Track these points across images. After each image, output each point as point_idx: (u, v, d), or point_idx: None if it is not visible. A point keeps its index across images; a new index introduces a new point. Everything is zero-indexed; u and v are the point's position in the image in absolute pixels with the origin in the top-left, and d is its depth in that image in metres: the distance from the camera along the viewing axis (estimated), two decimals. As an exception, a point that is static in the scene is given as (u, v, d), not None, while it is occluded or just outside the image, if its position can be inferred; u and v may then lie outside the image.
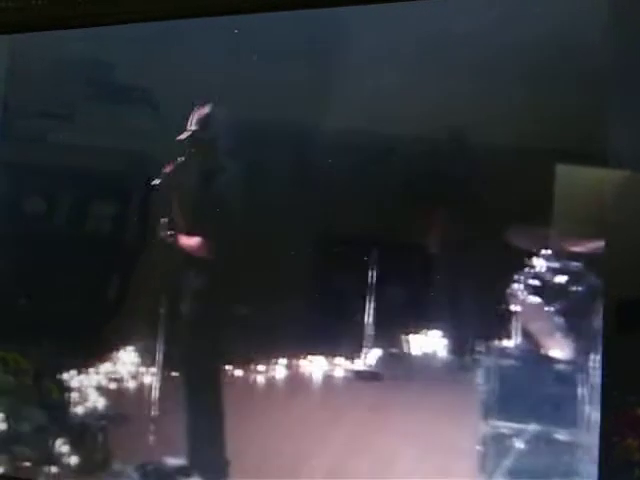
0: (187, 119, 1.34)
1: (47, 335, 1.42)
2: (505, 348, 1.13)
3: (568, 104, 1.09)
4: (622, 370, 1.00)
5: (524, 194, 1.12)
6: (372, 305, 1.20)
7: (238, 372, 1.31)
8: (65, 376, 1.41)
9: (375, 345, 1.22)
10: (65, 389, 1.41)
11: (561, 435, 1.06)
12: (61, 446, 1.38)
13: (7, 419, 1.42)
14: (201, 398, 1.31)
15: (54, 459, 1.38)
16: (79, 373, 1.40)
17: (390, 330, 1.20)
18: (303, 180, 1.27)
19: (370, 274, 1.20)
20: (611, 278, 1.03)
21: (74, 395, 1.41)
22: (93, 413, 1.39)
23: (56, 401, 1.41)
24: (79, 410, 1.40)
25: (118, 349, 1.40)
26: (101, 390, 1.39)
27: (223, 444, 1.26)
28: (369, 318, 1.20)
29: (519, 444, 1.09)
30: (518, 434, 1.09)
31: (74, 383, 1.40)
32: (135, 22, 1.27)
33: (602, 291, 1.04)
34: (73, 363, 1.41)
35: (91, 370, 1.40)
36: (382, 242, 1.22)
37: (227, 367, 1.31)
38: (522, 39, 1.11)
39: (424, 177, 1.20)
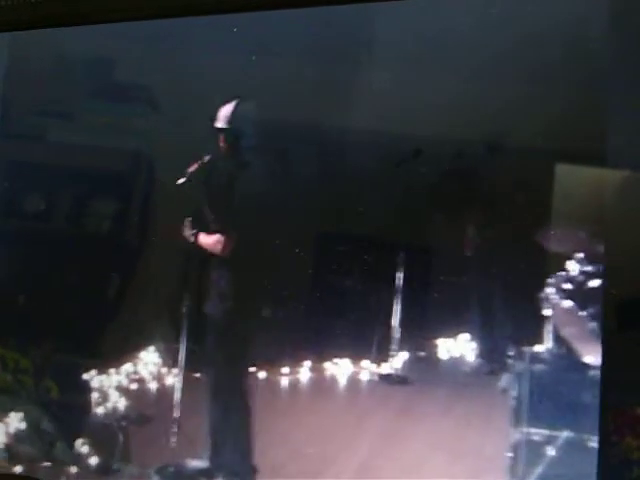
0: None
1: (47, 334, 1.42)
2: (537, 353, 1.11)
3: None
4: (621, 369, 1.00)
5: (550, 195, 1.11)
6: (401, 308, 1.19)
7: (263, 374, 1.30)
8: (64, 375, 1.41)
9: (403, 348, 1.21)
10: (64, 388, 1.41)
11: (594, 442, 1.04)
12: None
13: (5, 418, 1.42)
14: (223, 400, 1.31)
15: (53, 458, 1.38)
16: (79, 372, 1.40)
17: (419, 333, 1.19)
18: (332, 180, 1.27)
19: (399, 276, 1.20)
20: (611, 277, 1.03)
21: (73, 394, 1.41)
22: (94, 412, 1.39)
23: (55, 400, 1.42)
24: (79, 409, 1.40)
25: (119, 349, 1.40)
26: (103, 389, 1.39)
27: (246, 446, 1.25)
28: (397, 321, 1.19)
29: (550, 451, 1.08)
30: (549, 440, 1.08)
31: (74, 382, 1.40)
32: (136, 20, 1.27)
33: (602, 290, 1.04)
34: (73, 362, 1.41)
35: (91, 369, 1.40)
36: (411, 245, 1.22)
37: (251, 369, 1.30)
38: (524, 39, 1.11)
39: (449, 178, 1.19)
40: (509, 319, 1.11)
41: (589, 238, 1.06)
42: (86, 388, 1.39)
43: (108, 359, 1.39)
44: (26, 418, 1.41)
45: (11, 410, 1.42)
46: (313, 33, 1.25)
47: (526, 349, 1.11)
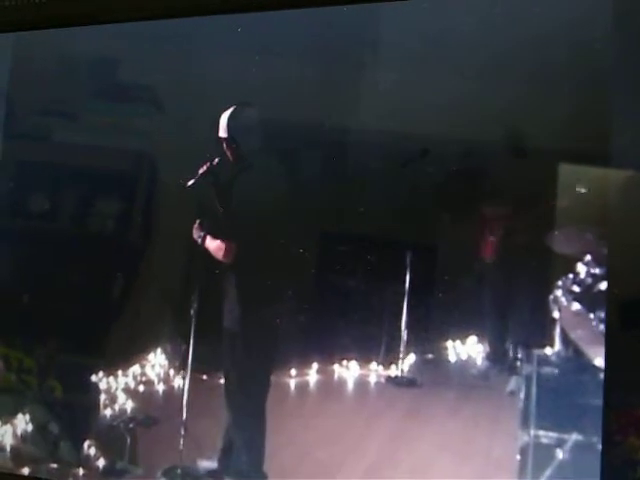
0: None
1: (51, 334, 1.42)
2: (545, 355, 1.10)
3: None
4: (624, 369, 1.00)
5: (556, 196, 1.10)
6: (409, 310, 1.19)
7: (271, 377, 1.29)
8: (69, 375, 1.41)
9: (411, 351, 1.20)
10: (69, 388, 1.41)
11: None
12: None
13: (8, 417, 1.42)
14: (234, 402, 1.31)
15: (57, 458, 1.38)
16: (83, 372, 1.40)
17: (427, 335, 1.19)
18: (340, 181, 1.26)
19: (407, 278, 1.19)
20: (613, 277, 1.03)
21: (78, 394, 1.41)
22: (99, 413, 1.39)
23: (59, 400, 1.42)
24: (83, 409, 1.40)
25: (124, 349, 1.40)
26: (107, 390, 1.39)
27: (256, 449, 1.25)
28: (405, 323, 1.19)
29: (558, 452, 1.07)
30: (557, 442, 1.07)
31: (78, 382, 1.41)
32: (139, 20, 1.27)
33: (605, 290, 1.04)
34: (77, 362, 1.41)
35: (95, 369, 1.40)
36: (419, 245, 1.21)
37: (259, 372, 1.30)
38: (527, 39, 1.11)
39: (457, 178, 1.19)
40: (517, 321, 1.11)
41: (595, 239, 1.05)
42: (91, 388, 1.39)
43: (113, 359, 1.39)
44: (30, 418, 1.42)
45: (15, 410, 1.43)
46: (318, 33, 1.25)
47: (534, 351, 1.11)
